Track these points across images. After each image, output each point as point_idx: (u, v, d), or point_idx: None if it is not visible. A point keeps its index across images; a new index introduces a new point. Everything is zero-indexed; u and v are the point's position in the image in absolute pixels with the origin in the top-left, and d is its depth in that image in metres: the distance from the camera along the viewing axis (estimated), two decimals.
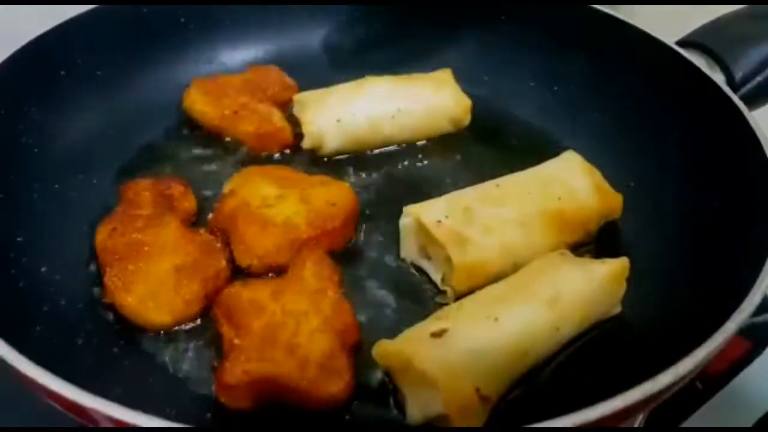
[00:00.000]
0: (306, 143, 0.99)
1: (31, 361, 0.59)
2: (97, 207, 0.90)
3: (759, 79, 0.94)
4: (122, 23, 1.04)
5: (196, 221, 0.90)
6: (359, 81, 1.04)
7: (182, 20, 1.10)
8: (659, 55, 0.97)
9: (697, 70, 0.92)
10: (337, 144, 1.00)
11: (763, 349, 0.97)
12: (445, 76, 1.06)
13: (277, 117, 1.03)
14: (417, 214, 0.84)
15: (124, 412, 0.54)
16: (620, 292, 0.80)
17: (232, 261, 0.83)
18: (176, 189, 0.89)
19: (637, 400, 0.58)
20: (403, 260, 0.88)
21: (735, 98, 0.87)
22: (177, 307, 0.77)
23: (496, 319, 0.72)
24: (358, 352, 0.76)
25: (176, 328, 0.78)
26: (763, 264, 0.68)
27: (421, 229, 0.84)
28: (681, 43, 0.98)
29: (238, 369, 0.68)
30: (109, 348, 0.75)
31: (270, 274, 0.83)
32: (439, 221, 0.82)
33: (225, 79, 1.08)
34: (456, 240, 0.81)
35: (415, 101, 1.02)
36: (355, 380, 0.71)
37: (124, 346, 0.76)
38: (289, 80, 1.10)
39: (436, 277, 0.85)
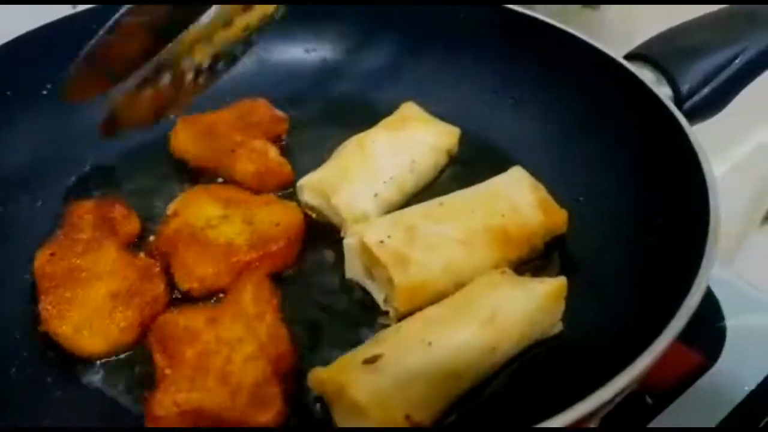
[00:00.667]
0: (350, 230, 0.86)
1: None
2: (42, 230, 0.89)
3: (705, 91, 0.93)
4: (68, 40, 1.02)
5: (140, 244, 0.89)
6: (352, 145, 0.97)
7: None
8: (606, 69, 0.97)
9: (641, 84, 0.91)
10: (375, 216, 0.91)
11: (714, 362, 0.97)
12: (412, 110, 1.03)
13: (274, 153, 0.98)
14: (360, 233, 0.83)
15: None
16: (559, 311, 0.79)
17: (172, 285, 0.83)
18: (119, 212, 0.88)
19: (568, 423, 0.58)
20: (349, 280, 0.87)
21: (677, 112, 0.86)
22: (112, 335, 0.76)
23: (429, 344, 0.72)
24: (299, 377, 0.75)
25: (113, 356, 0.77)
26: (692, 281, 0.68)
27: (365, 249, 0.83)
28: (629, 56, 0.98)
29: (168, 400, 0.67)
30: (43, 378, 0.75)
31: (212, 298, 0.83)
32: (381, 241, 0.82)
33: (213, 116, 1.03)
34: (398, 260, 0.80)
35: (419, 147, 0.98)
36: (287, 408, 0.70)
37: (58, 376, 0.75)
38: (279, 113, 1.06)
39: (379, 298, 0.84)
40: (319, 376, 0.71)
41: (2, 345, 0.77)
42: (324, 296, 0.86)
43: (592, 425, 0.86)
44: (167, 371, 0.70)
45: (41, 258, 0.82)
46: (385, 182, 0.93)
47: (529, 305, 0.77)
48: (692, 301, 0.67)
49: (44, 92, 1.01)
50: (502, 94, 1.10)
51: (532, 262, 0.89)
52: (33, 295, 0.82)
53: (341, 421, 0.70)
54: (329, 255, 0.90)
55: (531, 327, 0.77)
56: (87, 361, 0.76)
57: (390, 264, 0.80)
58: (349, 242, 0.85)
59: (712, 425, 0.91)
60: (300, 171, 0.97)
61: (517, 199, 0.88)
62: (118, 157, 1.02)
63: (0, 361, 0.74)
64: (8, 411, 0.60)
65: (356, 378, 0.69)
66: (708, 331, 1.01)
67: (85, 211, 0.87)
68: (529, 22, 1.07)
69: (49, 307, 0.76)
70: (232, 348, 0.72)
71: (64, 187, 0.97)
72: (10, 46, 0.98)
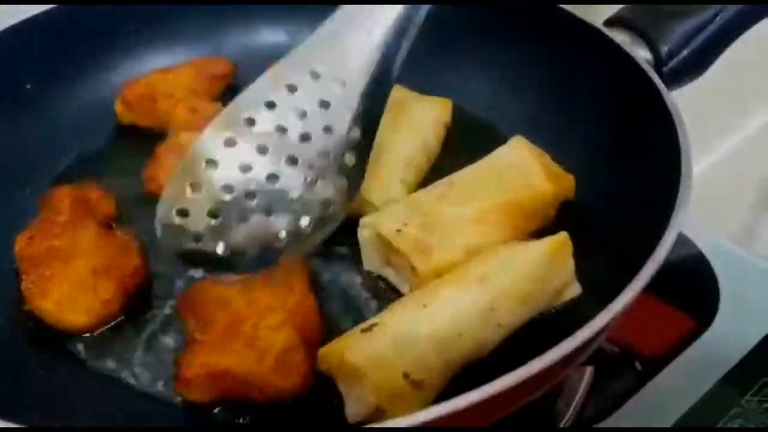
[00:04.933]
0: (361, 222, 0.84)
1: None
2: (30, 219, 0.87)
3: (686, 53, 0.92)
4: (48, 36, 1.03)
5: (115, 223, 0.90)
6: None
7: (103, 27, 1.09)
8: (586, 36, 0.96)
9: (618, 48, 0.91)
10: None
11: (707, 327, 0.97)
12: (401, 93, 1.01)
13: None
14: (375, 225, 0.82)
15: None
16: (567, 270, 0.77)
17: None
18: (94, 194, 0.89)
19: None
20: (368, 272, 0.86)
21: (654, 76, 0.86)
22: (94, 308, 0.77)
23: (424, 306, 0.72)
24: None
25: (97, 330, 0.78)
26: (659, 239, 0.67)
27: (382, 240, 0.82)
28: (609, 21, 0.97)
29: (197, 361, 0.69)
30: (28, 361, 0.75)
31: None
32: (398, 230, 0.80)
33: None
34: (418, 248, 0.79)
35: (423, 125, 0.97)
36: (313, 377, 0.70)
37: (44, 358, 0.76)
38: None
39: (404, 287, 0.82)
40: (322, 351, 0.71)
41: None
42: (343, 289, 0.84)
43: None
44: (197, 335, 0.72)
45: (21, 242, 0.82)
46: (406, 165, 0.92)
47: (526, 263, 0.76)
48: (659, 255, 0.66)
49: (28, 86, 1.03)
50: (488, 70, 1.08)
51: (546, 232, 0.85)
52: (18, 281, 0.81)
53: (346, 394, 0.70)
54: (345, 247, 0.87)
55: (535, 285, 0.75)
56: (73, 335, 0.78)
57: (411, 253, 0.78)
58: (364, 235, 0.83)
59: (703, 392, 0.90)
60: None
61: (524, 170, 0.87)
62: (103, 145, 1.04)
63: None
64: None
65: (353, 344, 0.69)
66: (701, 296, 1.01)
67: (62, 195, 0.88)
68: None
69: (31, 286, 0.77)
70: (261, 315, 0.73)
71: (51, 176, 0.97)
72: None
